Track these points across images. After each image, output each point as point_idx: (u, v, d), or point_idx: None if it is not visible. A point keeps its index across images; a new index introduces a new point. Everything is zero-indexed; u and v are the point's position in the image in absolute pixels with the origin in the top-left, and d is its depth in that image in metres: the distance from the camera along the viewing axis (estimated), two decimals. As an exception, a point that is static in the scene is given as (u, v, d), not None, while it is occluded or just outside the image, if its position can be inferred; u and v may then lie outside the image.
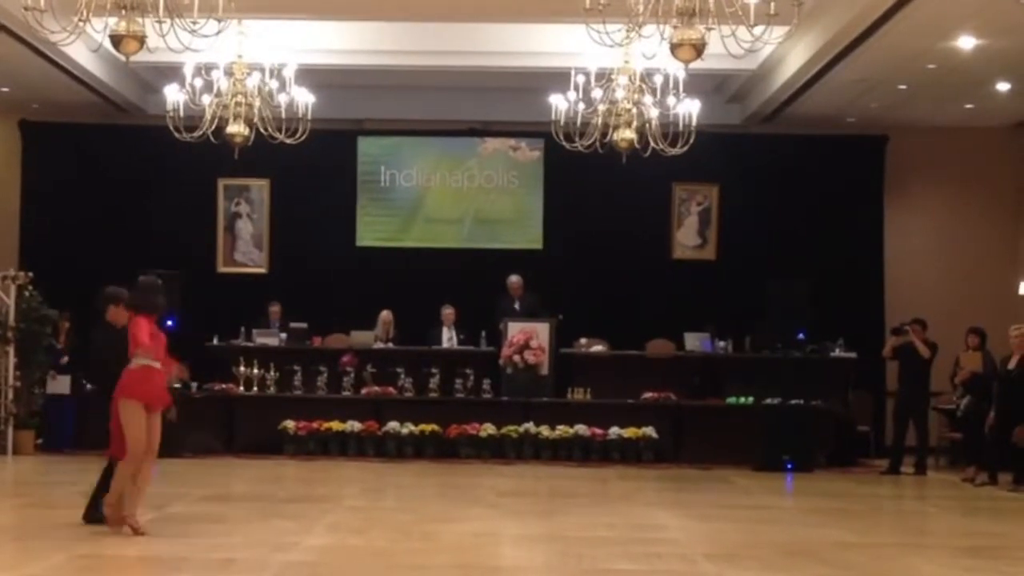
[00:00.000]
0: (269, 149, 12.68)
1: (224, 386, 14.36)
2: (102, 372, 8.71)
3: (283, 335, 15.05)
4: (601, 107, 11.94)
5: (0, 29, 12.48)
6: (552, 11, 12.31)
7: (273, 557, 7.79)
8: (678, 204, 16.67)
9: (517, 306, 15.17)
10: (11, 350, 13.91)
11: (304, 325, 15.13)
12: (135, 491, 8.28)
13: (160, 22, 8.80)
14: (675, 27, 8.76)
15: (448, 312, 15.18)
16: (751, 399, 14.26)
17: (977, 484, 12.59)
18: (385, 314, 15.28)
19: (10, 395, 13.84)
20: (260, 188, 16.70)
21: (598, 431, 14.03)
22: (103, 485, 8.53)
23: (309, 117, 12.23)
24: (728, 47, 8.63)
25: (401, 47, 14.41)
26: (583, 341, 15.08)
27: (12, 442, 13.79)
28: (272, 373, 14.52)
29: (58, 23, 8.99)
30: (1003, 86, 14.22)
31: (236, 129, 12.03)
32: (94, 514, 8.56)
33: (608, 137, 12.15)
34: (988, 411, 12.70)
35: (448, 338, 15.16)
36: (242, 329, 15.06)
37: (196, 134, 12.19)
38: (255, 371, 14.45)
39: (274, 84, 12.00)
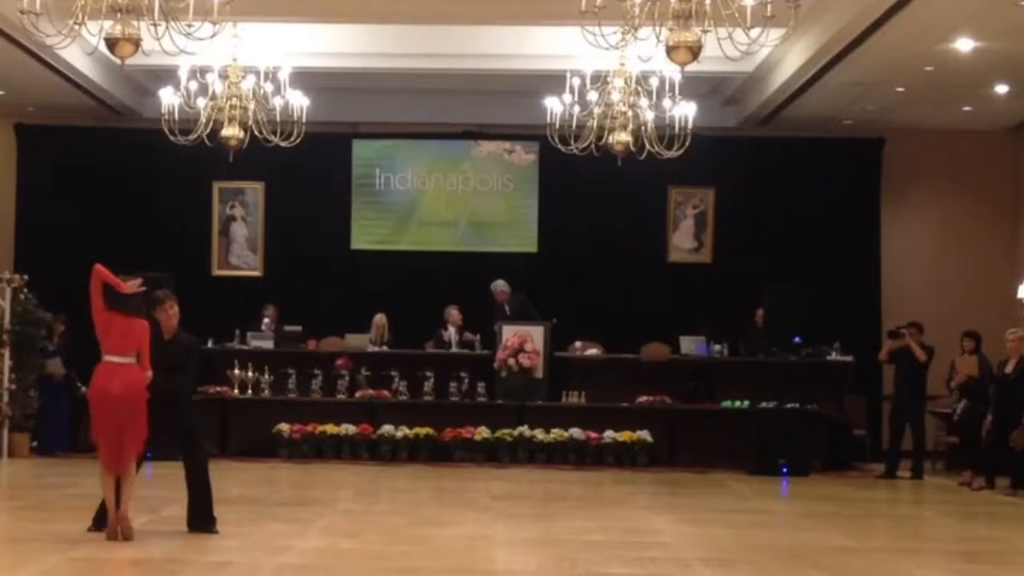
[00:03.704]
0: (264, 152, 12.66)
1: (218, 389, 14.33)
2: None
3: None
4: (596, 110, 11.92)
5: (-5, 32, 12.47)
6: (547, 14, 12.31)
7: (267, 560, 7.77)
8: (674, 207, 16.66)
9: (508, 311, 15.14)
10: (6, 353, 13.90)
11: (298, 328, 15.11)
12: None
13: (155, 25, 8.80)
14: (671, 29, 8.74)
15: (455, 313, 15.15)
16: (746, 403, 14.25)
17: (974, 488, 12.56)
18: (379, 317, 15.25)
19: (5, 398, 13.82)
20: (255, 191, 16.68)
21: (593, 434, 14.01)
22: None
23: (304, 120, 12.20)
24: (724, 49, 8.61)
25: (396, 50, 14.40)
26: (578, 344, 15.06)
27: (7, 445, 13.77)
28: (266, 376, 14.49)
29: (53, 26, 8.98)
30: (1001, 88, 14.21)
31: (231, 132, 12.00)
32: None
33: (603, 140, 12.12)
34: (985, 415, 12.68)
35: (456, 340, 15.12)
36: (236, 332, 15.03)
37: (191, 137, 12.17)
38: (249, 374, 14.42)
39: (269, 87, 11.98)
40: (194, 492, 8.57)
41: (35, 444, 14.21)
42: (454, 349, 15.04)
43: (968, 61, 12.85)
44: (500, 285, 15.25)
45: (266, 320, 15.27)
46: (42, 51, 12.66)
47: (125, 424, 8.10)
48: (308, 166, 15.67)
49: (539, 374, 14.51)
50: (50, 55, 12.91)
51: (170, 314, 8.65)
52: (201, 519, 8.53)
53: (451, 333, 15.11)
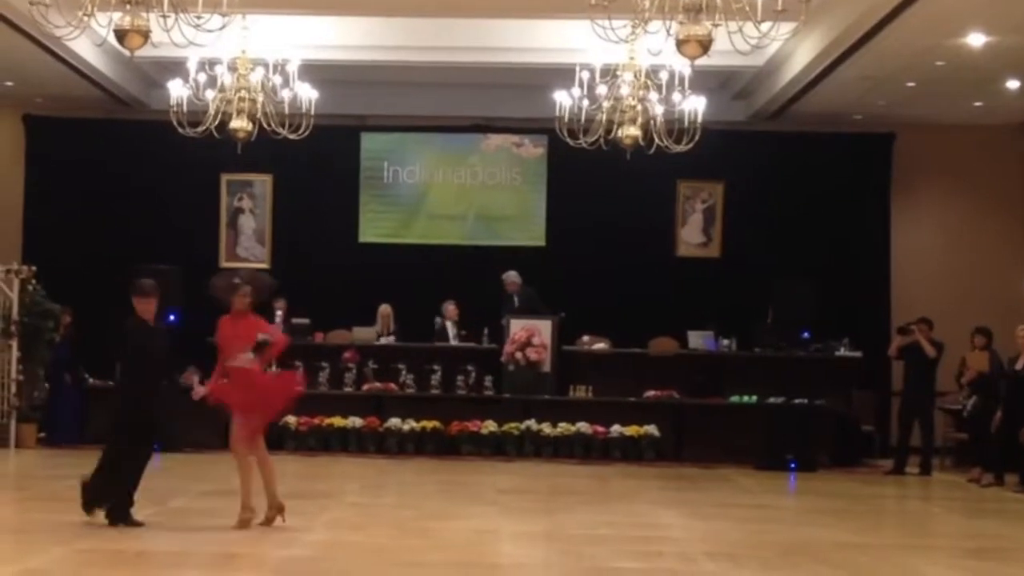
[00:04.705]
0: (272, 144, 12.65)
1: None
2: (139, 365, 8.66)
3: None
4: (605, 104, 11.88)
5: (5, 23, 12.46)
6: (557, 7, 12.27)
7: (273, 552, 7.78)
8: (682, 201, 16.61)
9: (516, 302, 15.13)
10: (14, 344, 13.92)
11: (306, 321, 15.10)
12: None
13: (164, 17, 8.80)
14: (681, 23, 8.71)
15: (451, 308, 15.14)
16: (754, 398, 14.22)
17: (983, 485, 12.53)
18: (384, 308, 15.23)
19: (13, 388, 13.84)
20: (263, 183, 16.67)
21: (600, 429, 14.00)
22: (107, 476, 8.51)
23: (312, 112, 12.19)
24: (735, 43, 8.58)
25: (405, 43, 14.36)
26: (585, 338, 15.04)
27: (14, 435, 13.78)
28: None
29: (63, 18, 8.98)
30: (1013, 84, 14.13)
31: (239, 124, 12.00)
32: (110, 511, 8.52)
33: (612, 134, 12.09)
34: (995, 411, 12.64)
35: (453, 334, 15.11)
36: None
37: (199, 129, 12.16)
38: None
39: (277, 79, 11.97)
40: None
41: (42, 435, 14.23)
42: (451, 342, 15.01)
43: (980, 56, 12.79)
44: (512, 276, 15.24)
45: (279, 313, 15.27)
46: (51, 42, 12.66)
47: None
48: (316, 159, 15.67)
49: (546, 368, 14.49)
50: (59, 46, 12.90)
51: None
52: None
53: (448, 327, 15.09)
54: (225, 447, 14.16)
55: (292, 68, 11.94)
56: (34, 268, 14.26)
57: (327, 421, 14.05)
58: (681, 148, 12.14)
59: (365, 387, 14.52)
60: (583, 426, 14.00)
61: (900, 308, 15.83)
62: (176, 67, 12.45)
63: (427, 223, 16.69)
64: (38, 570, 7.05)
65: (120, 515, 8.34)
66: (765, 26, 8.54)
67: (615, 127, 12.00)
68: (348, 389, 14.53)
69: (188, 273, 14.67)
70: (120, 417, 8.53)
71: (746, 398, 14.29)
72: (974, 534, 9.89)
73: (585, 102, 11.89)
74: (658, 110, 11.98)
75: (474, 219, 16.68)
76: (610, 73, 11.70)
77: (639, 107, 11.88)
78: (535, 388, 14.40)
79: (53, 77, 14.70)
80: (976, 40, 12.35)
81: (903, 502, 12.31)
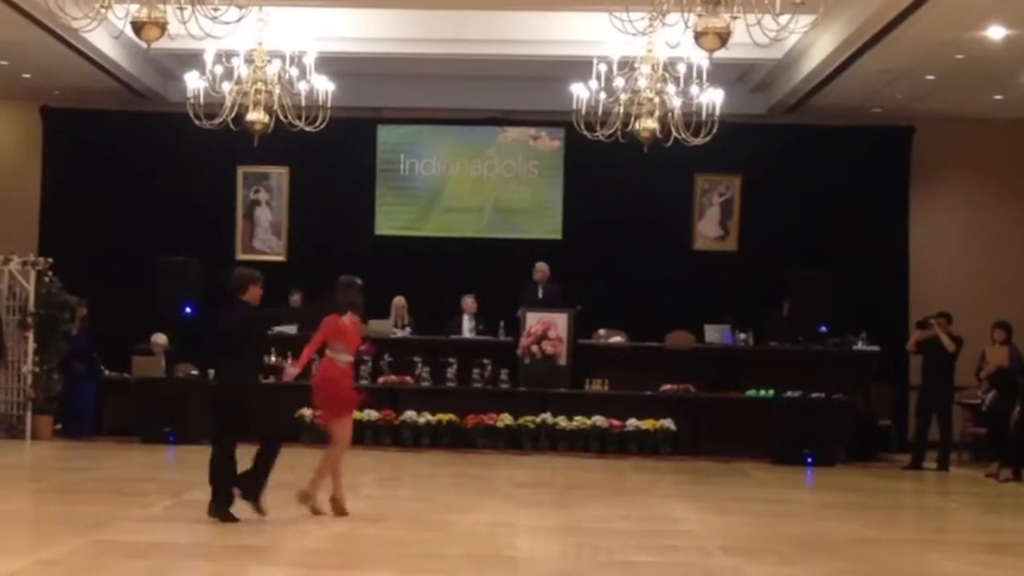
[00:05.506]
0: (288, 137, 12.63)
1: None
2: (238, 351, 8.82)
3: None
4: (623, 96, 11.84)
5: (23, 15, 12.49)
6: (574, -1, 12.25)
7: (288, 544, 7.79)
8: (700, 195, 16.56)
9: (540, 293, 15.10)
10: (30, 335, 13.97)
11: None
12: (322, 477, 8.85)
13: (181, 9, 8.80)
14: (700, 15, 8.68)
15: (469, 302, 15.12)
16: (771, 392, 14.17)
17: (1001, 480, 12.47)
18: (398, 300, 15.21)
19: (29, 380, 13.89)
20: (279, 176, 16.68)
21: (615, 423, 13.98)
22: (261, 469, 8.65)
23: (328, 105, 12.17)
24: (753, 36, 8.54)
25: (421, 35, 14.35)
26: (602, 332, 15.01)
27: (30, 427, 13.84)
28: (289, 361, 14.47)
29: (80, 10, 9.00)
30: (1032, 77, 14.05)
31: (256, 116, 11.98)
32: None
33: (630, 127, 12.04)
34: (1013, 406, 12.57)
35: (469, 328, 15.10)
36: (260, 317, 15.01)
37: (216, 121, 12.16)
38: (272, 359, 14.42)
39: (294, 72, 11.95)
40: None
41: (58, 427, 14.28)
42: (465, 335, 15.00)
43: (999, 49, 12.70)
44: (542, 265, 15.21)
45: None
46: (68, 34, 12.69)
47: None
48: (333, 151, 15.66)
49: (562, 361, 14.47)
50: (76, 38, 12.93)
51: None
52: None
53: (465, 321, 15.07)
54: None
55: (309, 60, 11.92)
56: (50, 260, 14.30)
57: (343, 413, 14.03)
58: (699, 141, 12.09)
59: (381, 380, 14.52)
60: (599, 420, 13.98)
61: (918, 302, 15.75)
62: (193, 59, 12.44)
63: (443, 216, 16.68)
64: (54, 561, 7.06)
65: (218, 508, 8.39)
66: (784, 18, 8.50)
67: (632, 120, 11.96)
68: (364, 382, 14.49)
69: (204, 265, 14.71)
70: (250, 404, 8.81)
71: (763, 392, 14.24)
72: (991, 529, 9.84)
73: (602, 95, 11.84)
74: (676, 103, 11.92)
75: (490, 212, 16.65)
76: (628, 65, 11.65)
77: (657, 100, 11.82)
78: (551, 381, 14.38)
79: (70, 69, 14.74)
80: (996, 33, 12.27)
81: (920, 497, 12.26)
